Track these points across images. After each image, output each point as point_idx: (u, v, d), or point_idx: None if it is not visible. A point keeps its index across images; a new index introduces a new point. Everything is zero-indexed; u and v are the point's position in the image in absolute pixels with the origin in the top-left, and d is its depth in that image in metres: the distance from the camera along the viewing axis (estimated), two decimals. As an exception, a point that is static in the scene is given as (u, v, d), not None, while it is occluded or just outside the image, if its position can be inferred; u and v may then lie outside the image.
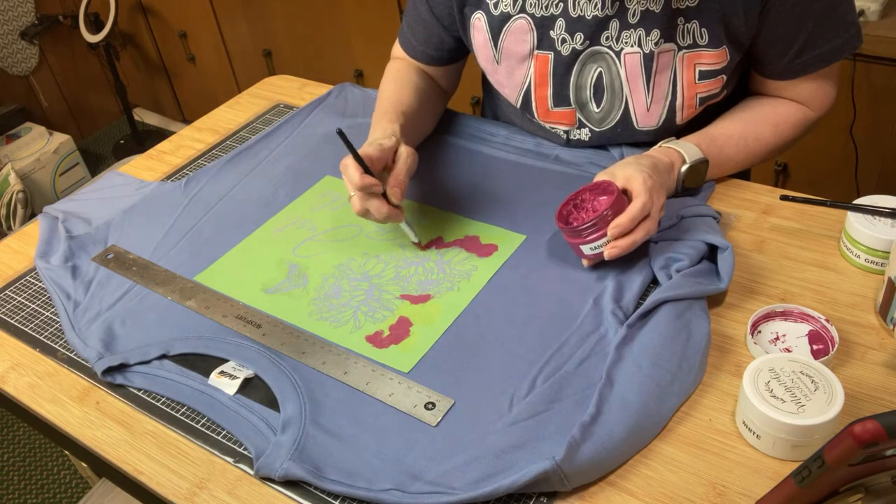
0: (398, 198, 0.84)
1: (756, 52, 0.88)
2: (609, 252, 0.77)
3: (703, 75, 0.88)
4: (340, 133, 0.81)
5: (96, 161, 2.96)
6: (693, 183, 0.89)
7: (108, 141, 3.08)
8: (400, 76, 1.05)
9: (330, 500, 0.65)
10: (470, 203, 0.95)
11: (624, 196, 0.79)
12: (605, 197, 0.81)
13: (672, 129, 0.93)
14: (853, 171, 1.62)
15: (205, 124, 1.21)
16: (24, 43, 2.74)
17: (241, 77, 2.63)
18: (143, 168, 1.12)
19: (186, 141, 1.17)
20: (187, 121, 2.94)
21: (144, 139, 2.96)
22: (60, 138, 2.67)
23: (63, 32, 2.85)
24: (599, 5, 0.86)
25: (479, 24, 0.95)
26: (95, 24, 2.67)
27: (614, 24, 0.87)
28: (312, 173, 1.04)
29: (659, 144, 0.90)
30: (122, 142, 3.00)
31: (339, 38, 2.24)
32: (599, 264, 0.83)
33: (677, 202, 0.88)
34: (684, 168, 0.87)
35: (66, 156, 2.69)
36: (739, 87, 0.98)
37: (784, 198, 0.88)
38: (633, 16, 0.86)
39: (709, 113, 0.95)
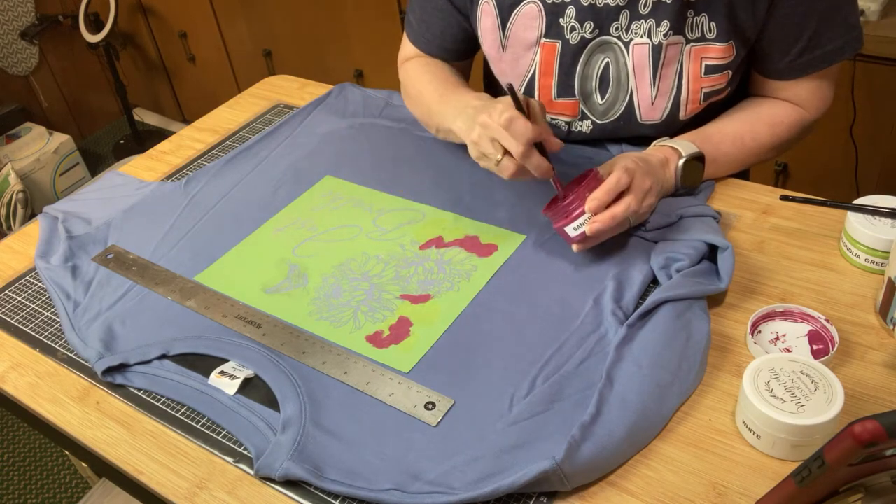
0: (557, 146, 0.79)
1: (759, 49, 0.88)
2: (590, 227, 0.77)
3: (709, 70, 0.88)
4: (510, 88, 0.76)
5: (96, 161, 2.96)
6: (691, 180, 0.89)
7: (108, 141, 3.08)
8: (430, 67, 1.03)
9: (330, 500, 0.65)
10: (470, 203, 0.95)
11: (603, 177, 0.79)
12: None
13: (675, 124, 0.93)
14: (853, 171, 1.62)
15: (205, 124, 1.21)
16: (24, 43, 2.74)
17: (241, 77, 2.63)
18: (143, 168, 1.12)
19: (186, 141, 1.17)
20: (187, 121, 2.94)
21: (144, 139, 2.96)
22: (60, 138, 2.67)
23: (63, 32, 2.85)
24: None
25: (487, 9, 0.94)
26: (95, 24, 2.67)
27: (625, 15, 0.87)
28: (312, 173, 1.04)
29: (653, 144, 0.90)
30: (122, 142, 3.00)
31: (339, 38, 2.24)
32: (599, 263, 0.83)
33: (677, 202, 0.88)
34: (681, 162, 0.87)
35: (66, 156, 2.69)
36: (739, 89, 0.98)
37: (784, 198, 0.88)
38: (645, 6, 0.86)
39: (710, 114, 0.94)
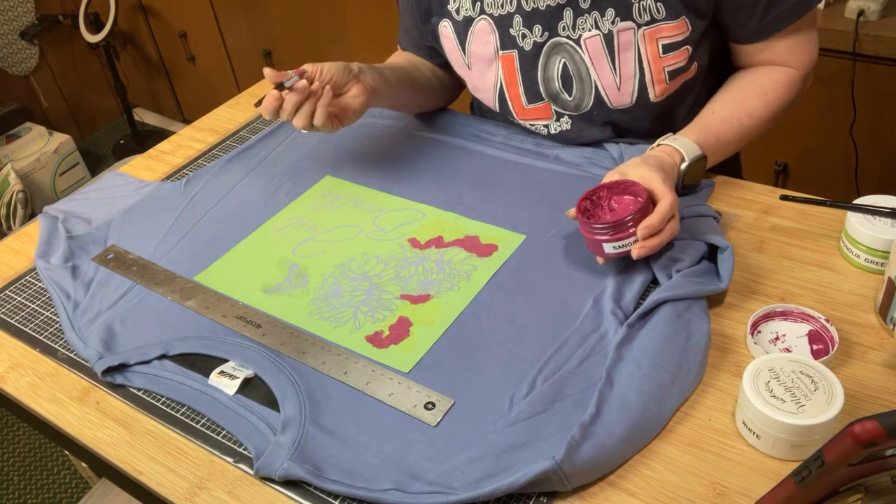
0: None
1: (724, 18, 0.89)
2: (637, 252, 0.77)
3: (667, 48, 0.88)
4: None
5: (96, 161, 2.97)
6: (693, 179, 0.89)
7: (108, 141, 3.08)
8: (398, 59, 1.09)
9: (330, 500, 0.65)
10: (470, 203, 0.95)
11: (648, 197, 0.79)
12: (628, 196, 0.81)
13: (647, 105, 0.93)
14: (853, 171, 1.62)
15: (205, 124, 1.21)
16: (24, 43, 2.74)
17: (241, 77, 2.63)
18: (143, 168, 1.12)
19: (186, 141, 1.17)
20: (187, 121, 2.94)
21: (144, 139, 2.96)
22: (60, 138, 2.67)
23: (63, 32, 2.85)
24: None
25: (446, 32, 0.97)
26: (95, 24, 2.67)
27: (568, 13, 0.88)
28: (312, 173, 1.04)
29: (657, 143, 0.90)
30: (122, 142, 3.01)
31: (339, 39, 2.24)
32: (598, 264, 0.83)
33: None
34: (683, 166, 0.87)
35: (66, 156, 2.69)
36: (726, 68, 0.97)
37: (784, 198, 0.88)
38: (584, 1, 0.87)
39: (695, 95, 0.94)
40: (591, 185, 0.88)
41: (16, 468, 1.85)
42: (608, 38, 0.88)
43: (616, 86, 0.91)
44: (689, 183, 0.89)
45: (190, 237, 0.95)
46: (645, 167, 0.81)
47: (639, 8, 0.86)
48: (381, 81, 0.97)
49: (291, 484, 0.66)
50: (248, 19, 2.43)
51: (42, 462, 1.85)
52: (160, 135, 3.00)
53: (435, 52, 1.05)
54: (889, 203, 0.80)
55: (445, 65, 1.07)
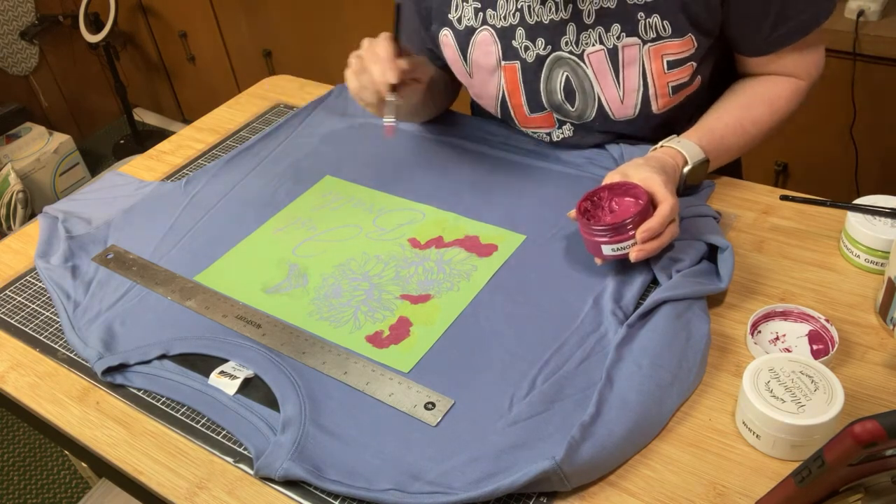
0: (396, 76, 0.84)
1: (730, 33, 0.89)
2: (636, 255, 0.77)
3: (672, 65, 0.88)
4: (398, 8, 0.84)
5: (96, 161, 2.96)
6: (695, 181, 0.89)
7: (108, 141, 3.08)
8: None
9: (330, 500, 0.65)
10: (470, 203, 0.95)
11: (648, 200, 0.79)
12: (629, 198, 0.81)
13: (650, 117, 0.93)
14: (853, 171, 1.62)
15: (205, 124, 1.21)
16: (24, 43, 2.74)
17: (241, 77, 2.63)
18: (143, 168, 1.12)
19: (186, 141, 1.17)
20: (187, 121, 2.94)
21: (144, 139, 2.96)
22: (60, 138, 2.67)
23: (63, 32, 2.85)
24: (554, 9, 0.87)
25: (446, 41, 0.96)
26: (95, 24, 2.67)
27: (571, 28, 0.88)
28: (312, 173, 1.04)
29: (660, 144, 0.90)
30: (122, 142, 3.01)
31: (339, 39, 2.24)
32: (598, 264, 0.83)
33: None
34: (686, 169, 0.87)
35: (66, 156, 2.69)
36: (729, 75, 0.97)
37: (784, 198, 0.88)
38: (589, 16, 0.87)
39: (691, 102, 0.94)
40: (591, 186, 0.88)
41: (16, 468, 1.85)
42: (613, 53, 0.87)
43: (619, 99, 0.91)
44: (690, 183, 0.89)
45: (190, 237, 0.95)
46: (647, 169, 0.81)
47: (644, 25, 0.85)
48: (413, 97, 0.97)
49: (291, 484, 0.66)
50: (248, 19, 2.43)
51: (42, 462, 1.86)
52: (160, 135, 3.00)
53: (434, 56, 1.05)
54: (889, 203, 0.80)
55: (445, 67, 1.07)
